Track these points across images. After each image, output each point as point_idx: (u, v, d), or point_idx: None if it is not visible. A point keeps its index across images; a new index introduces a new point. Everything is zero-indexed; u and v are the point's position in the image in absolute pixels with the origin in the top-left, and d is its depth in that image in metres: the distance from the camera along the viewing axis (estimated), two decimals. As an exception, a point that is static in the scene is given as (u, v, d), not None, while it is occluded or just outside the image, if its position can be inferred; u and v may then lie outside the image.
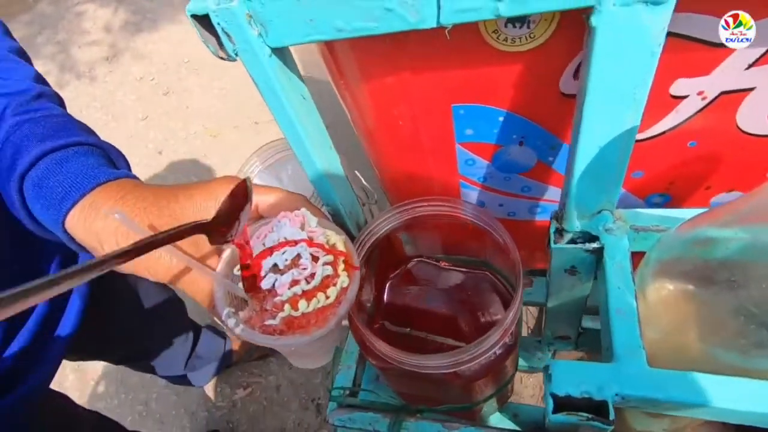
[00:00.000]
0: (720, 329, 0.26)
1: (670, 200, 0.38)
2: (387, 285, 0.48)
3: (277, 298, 0.31)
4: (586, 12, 0.23)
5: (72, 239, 0.32)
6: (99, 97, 1.92)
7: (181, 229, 0.27)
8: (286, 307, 0.30)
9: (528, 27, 0.27)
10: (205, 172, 1.60)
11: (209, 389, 1.22)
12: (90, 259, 0.54)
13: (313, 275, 0.32)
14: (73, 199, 0.30)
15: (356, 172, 0.48)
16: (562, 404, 0.26)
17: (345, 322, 0.37)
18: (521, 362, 0.52)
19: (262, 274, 0.31)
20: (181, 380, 1.08)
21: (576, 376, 0.27)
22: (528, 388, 0.97)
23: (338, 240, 0.33)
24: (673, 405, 0.25)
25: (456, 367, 0.33)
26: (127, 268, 0.30)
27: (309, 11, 0.25)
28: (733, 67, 0.27)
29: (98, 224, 0.30)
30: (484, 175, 0.40)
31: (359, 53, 0.32)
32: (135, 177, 0.34)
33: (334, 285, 0.32)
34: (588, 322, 0.48)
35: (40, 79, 0.39)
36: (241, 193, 0.31)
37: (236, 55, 0.28)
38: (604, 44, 0.23)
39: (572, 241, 0.34)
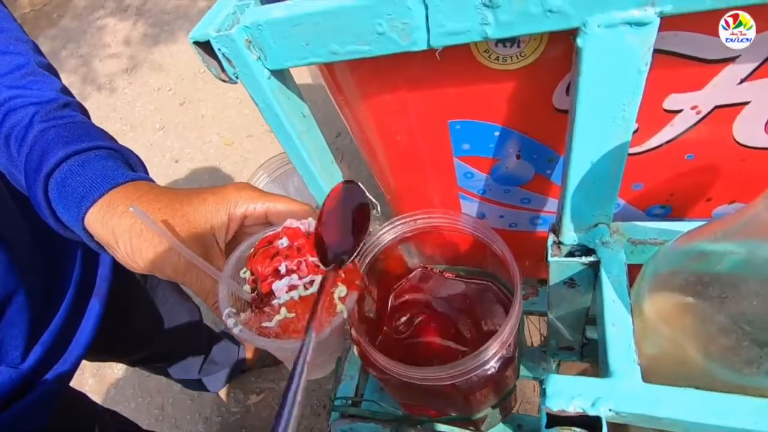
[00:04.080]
0: (714, 345, 0.26)
1: (671, 211, 0.38)
2: (391, 296, 0.49)
3: (275, 301, 0.32)
4: (572, 33, 0.23)
5: (90, 237, 0.34)
6: (119, 108, 1.98)
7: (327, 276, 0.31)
8: (283, 310, 0.31)
9: (518, 46, 0.27)
10: (219, 179, 1.63)
11: (223, 394, 1.24)
12: (107, 257, 0.56)
13: (311, 282, 0.33)
14: (92, 198, 0.32)
15: (359, 184, 0.49)
16: (556, 419, 0.27)
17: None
18: (526, 372, 0.52)
19: (268, 279, 0.33)
20: (196, 385, 1.10)
21: (570, 390, 0.27)
22: (535, 397, 0.96)
23: None
24: (668, 422, 0.25)
25: (454, 379, 0.33)
26: (140, 265, 0.32)
27: (305, 36, 0.26)
28: (726, 82, 0.27)
29: (114, 221, 0.32)
30: (483, 188, 0.40)
31: (357, 72, 0.33)
32: (151, 180, 0.36)
33: (332, 294, 0.33)
34: (593, 333, 0.48)
35: (66, 91, 0.42)
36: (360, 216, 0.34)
37: (237, 78, 0.29)
38: (591, 64, 0.24)
39: (570, 254, 0.34)
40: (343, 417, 0.42)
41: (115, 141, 0.39)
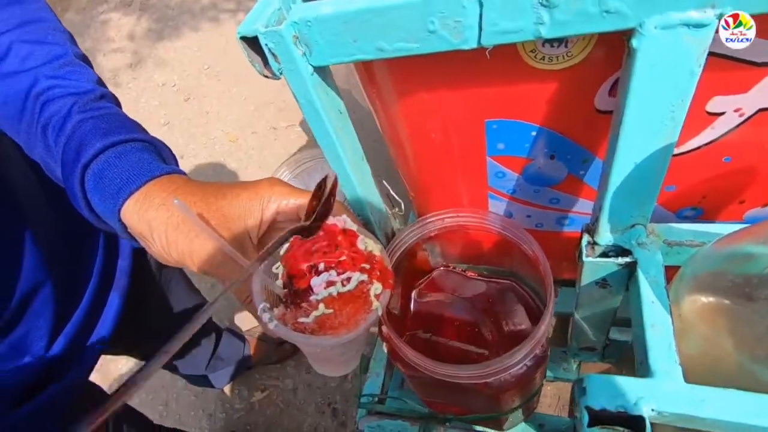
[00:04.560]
0: (756, 346, 0.26)
1: (702, 213, 0.38)
2: (413, 293, 0.49)
3: (312, 297, 0.32)
4: (627, 34, 0.24)
5: (125, 229, 0.34)
6: (123, 103, 1.97)
7: (282, 237, 0.30)
8: (321, 306, 0.31)
9: (566, 46, 0.27)
10: (224, 175, 1.63)
11: (227, 391, 1.24)
12: (127, 250, 0.56)
13: (349, 279, 0.33)
14: (129, 190, 0.32)
15: (384, 182, 0.49)
16: (597, 418, 0.27)
17: (373, 330, 0.38)
18: (548, 373, 0.52)
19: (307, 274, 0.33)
20: (201, 381, 1.10)
21: (611, 390, 0.27)
22: (547, 398, 0.97)
23: (375, 248, 0.34)
24: (711, 422, 0.26)
25: (487, 377, 0.33)
26: (174, 258, 0.32)
27: (354, 32, 0.26)
28: (771, 85, 0.27)
29: (150, 214, 0.32)
30: (513, 188, 0.40)
31: (395, 69, 0.33)
32: (184, 173, 0.36)
33: (368, 291, 0.33)
34: (615, 334, 0.48)
35: (101, 83, 0.42)
36: (327, 189, 0.33)
37: (281, 73, 0.29)
38: (645, 65, 0.24)
39: (604, 255, 0.34)
40: (370, 414, 0.42)
41: (148, 133, 0.39)
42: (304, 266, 0.33)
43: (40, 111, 0.35)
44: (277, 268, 0.34)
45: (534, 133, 0.34)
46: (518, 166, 0.37)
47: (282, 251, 0.35)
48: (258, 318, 0.32)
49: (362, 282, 0.33)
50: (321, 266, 0.32)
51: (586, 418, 0.27)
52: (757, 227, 0.26)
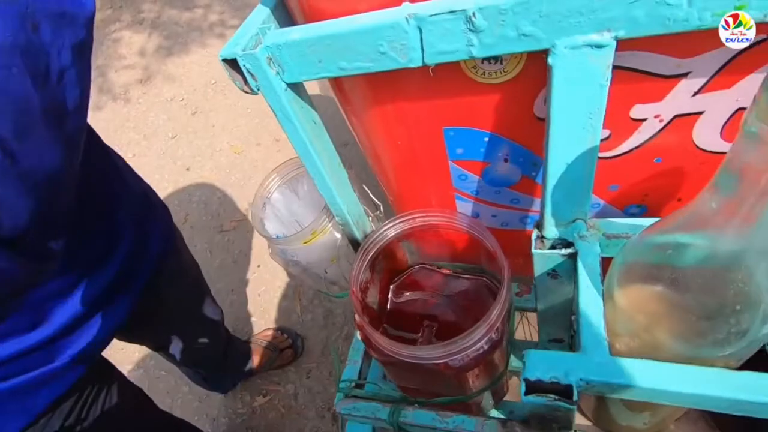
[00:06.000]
0: (678, 326, 0.30)
1: (646, 211, 0.42)
2: (390, 289, 0.53)
3: None
4: (545, 53, 0.28)
5: None
6: (132, 118, 2.05)
7: None
8: None
9: (501, 63, 0.32)
10: (229, 185, 1.69)
11: (230, 396, 1.28)
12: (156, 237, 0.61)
13: None
14: None
15: (364, 186, 0.53)
16: (533, 387, 0.30)
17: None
18: (519, 363, 0.56)
19: None
20: (206, 385, 1.13)
21: (546, 363, 0.31)
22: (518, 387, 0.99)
23: None
24: (630, 388, 0.29)
25: (446, 358, 0.37)
26: None
27: (317, 55, 0.31)
28: (681, 94, 0.31)
29: None
30: (476, 189, 0.44)
31: (361, 86, 0.37)
32: None
33: None
34: (580, 326, 0.51)
35: None
36: None
37: (258, 90, 0.34)
38: (561, 79, 0.28)
39: (552, 247, 0.38)
40: (347, 398, 0.46)
41: None
42: None
43: None
44: None
45: (486, 139, 0.38)
46: (477, 169, 0.41)
47: None
48: None
49: None
50: None
51: (523, 388, 0.31)
52: (665, 220, 0.29)
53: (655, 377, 0.28)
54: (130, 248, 0.56)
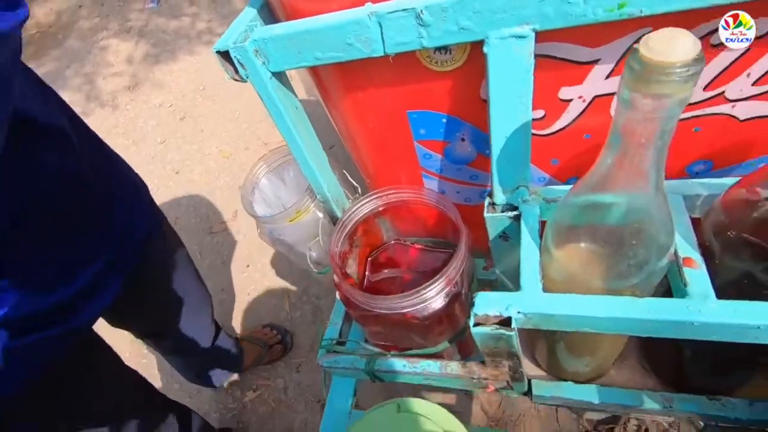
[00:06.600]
0: (589, 265, 0.36)
1: (584, 183, 0.48)
2: (367, 262, 0.59)
3: None
4: (481, 43, 0.34)
5: None
6: (121, 124, 2.09)
7: None
8: None
9: (450, 53, 0.38)
10: (218, 189, 1.73)
11: (221, 392, 1.30)
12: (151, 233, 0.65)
13: None
14: None
15: (345, 171, 0.59)
16: (480, 321, 0.37)
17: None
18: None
19: None
20: (196, 379, 1.15)
21: (492, 302, 0.37)
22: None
23: None
24: (558, 318, 0.35)
25: (411, 307, 0.43)
26: None
27: (296, 47, 0.37)
28: (596, 77, 0.38)
29: None
30: (440, 167, 0.50)
31: (336, 76, 0.43)
32: None
33: None
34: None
35: None
36: None
37: (247, 78, 0.40)
38: (495, 65, 0.35)
39: (502, 212, 0.44)
40: (328, 353, 0.51)
41: None
42: None
43: None
44: None
45: (444, 120, 0.44)
46: (439, 148, 0.48)
47: None
48: None
49: None
50: None
51: (472, 322, 0.37)
52: (579, 181, 0.36)
53: (577, 307, 0.35)
54: (121, 228, 0.60)
